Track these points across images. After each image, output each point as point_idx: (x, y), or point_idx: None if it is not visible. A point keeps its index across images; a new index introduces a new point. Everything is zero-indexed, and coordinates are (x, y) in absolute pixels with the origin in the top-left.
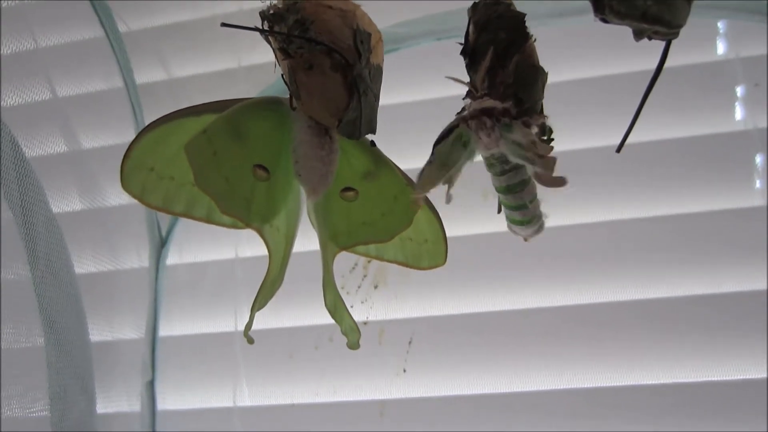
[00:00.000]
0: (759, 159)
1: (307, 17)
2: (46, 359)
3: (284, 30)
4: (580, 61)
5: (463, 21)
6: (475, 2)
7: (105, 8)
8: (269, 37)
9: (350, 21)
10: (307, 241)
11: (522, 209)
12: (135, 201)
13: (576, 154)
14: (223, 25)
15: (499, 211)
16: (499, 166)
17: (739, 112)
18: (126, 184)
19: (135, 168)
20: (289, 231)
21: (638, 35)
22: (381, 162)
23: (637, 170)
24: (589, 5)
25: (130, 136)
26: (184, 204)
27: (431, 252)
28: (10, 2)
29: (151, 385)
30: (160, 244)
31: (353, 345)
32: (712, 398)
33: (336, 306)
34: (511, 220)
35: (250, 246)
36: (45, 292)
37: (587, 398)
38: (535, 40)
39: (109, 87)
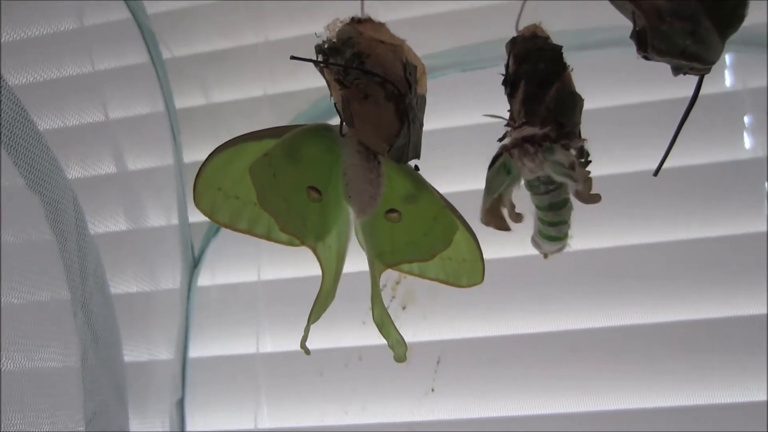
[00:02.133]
0: None
1: (363, 51)
2: (87, 376)
3: (341, 62)
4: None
5: (485, 54)
6: (513, 37)
7: (151, 36)
8: (324, 69)
9: (399, 54)
10: None
11: (560, 225)
12: (171, 223)
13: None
14: (293, 58)
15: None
16: (543, 187)
17: (747, 141)
18: (198, 202)
19: (206, 187)
20: (340, 249)
21: (676, 71)
22: (421, 186)
23: (647, 197)
24: (607, 40)
25: (168, 159)
26: (247, 222)
27: (469, 271)
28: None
29: (180, 404)
30: (193, 265)
31: (400, 358)
32: (715, 420)
33: (383, 320)
34: (543, 236)
35: (272, 269)
36: (93, 308)
37: (613, 421)
38: (572, 69)
39: (151, 111)
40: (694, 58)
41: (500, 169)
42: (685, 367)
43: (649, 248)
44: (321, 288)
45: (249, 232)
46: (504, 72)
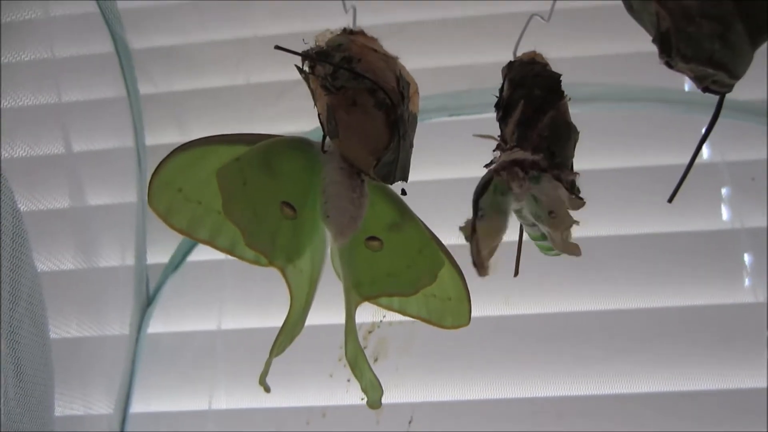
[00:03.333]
0: (747, 257)
1: (354, 56)
2: (5, 418)
3: (329, 69)
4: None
5: (474, 100)
6: (510, 61)
7: (130, 66)
8: (310, 76)
9: (393, 66)
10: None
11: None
12: (125, 263)
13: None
14: (277, 47)
15: (516, 274)
16: (530, 217)
17: (725, 212)
18: (152, 201)
19: (163, 186)
20: (313, 274)
21: (700, 81)
22: (406, 215)
23: (625, 262)
24: (596, 93)
25: (128, 196)
26: (208, 231)
27: (454, 311)
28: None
29: None
30: (146, 303)
31: (374, 404)
32: None
33: (357, 358)
34: (546, 253)
35: (234, 318)
36: (21, 339)
37: None
38: (569, 99)
39: (117, 146)
40: (721, 66)
41: (496, 193)
42: None
43: (637, 314)
44: (288, 316)
45: (209, 243)
46: (498, 95)
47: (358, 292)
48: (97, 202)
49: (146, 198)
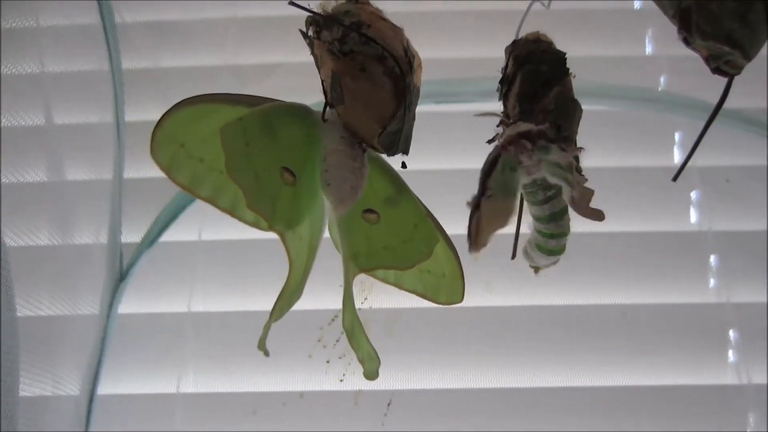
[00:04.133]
0: (713, 259)
1: (363, 21)
2: None
3: (338, 31)
4: None
5: (462, 88)
6: (515, 40)
7: (115, 40)
8: (315, 41)
9: (400, 36)
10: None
11: (560, 237)
12: (99, 241)
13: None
14: (290, 3)
15: (514, 256)
16: (541, 193)
17: (693, 215)
18: (155, 154)
19: (166, 139)
20: (312, 242)
21: (714, 60)
22: (403, 189)
23: (596, 259)
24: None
25: (105, 173)
26: (210, 189)
27: (448, 287)
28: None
29: None
30: (119, 278)
31: (371, 374)
32: None
33: (354, 327)
34: (542, 249)
35: (203, 301)
36: None
37: None
38: (574, 76)
39: (99, 120)
40: (738, 44)
41: (505, 170)
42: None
43: (619, 309)
44: (287, 282)
45: (211, 201)
46: (501, 71)
47: (355, 263)
48: (74, 177)
49: (122, 173)
